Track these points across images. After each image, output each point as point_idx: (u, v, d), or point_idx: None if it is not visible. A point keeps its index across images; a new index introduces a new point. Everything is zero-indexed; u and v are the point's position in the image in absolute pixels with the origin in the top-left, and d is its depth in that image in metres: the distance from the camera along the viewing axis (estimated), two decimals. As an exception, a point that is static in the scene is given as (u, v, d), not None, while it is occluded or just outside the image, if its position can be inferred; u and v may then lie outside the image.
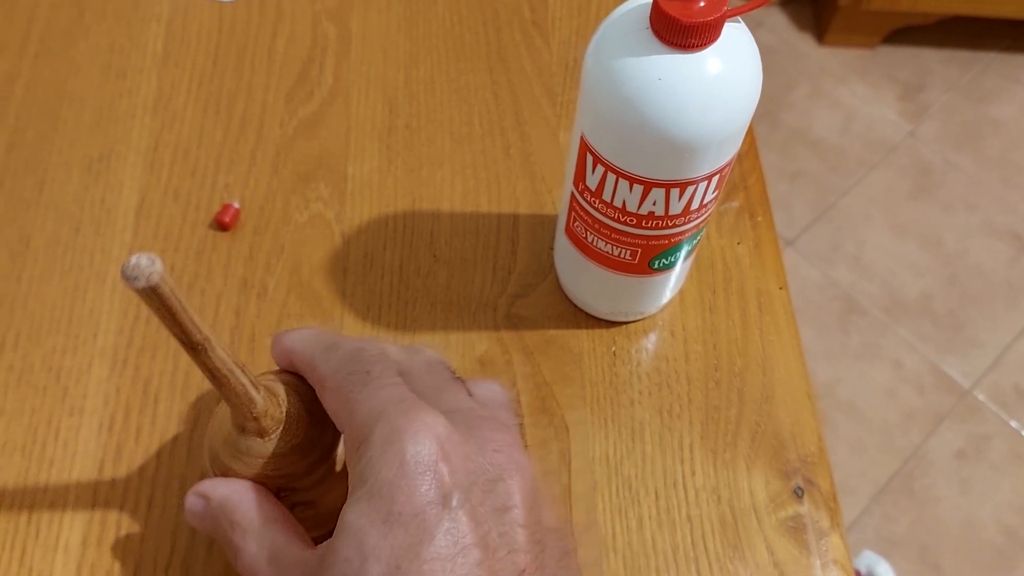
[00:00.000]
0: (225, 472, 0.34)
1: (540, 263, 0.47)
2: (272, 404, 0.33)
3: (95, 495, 0.40)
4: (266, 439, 0.33)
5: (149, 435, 0.41)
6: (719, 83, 0.32)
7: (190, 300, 0.44)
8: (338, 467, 0.35)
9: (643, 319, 0.45)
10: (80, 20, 0.53)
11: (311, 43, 0.53)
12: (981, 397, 1.30)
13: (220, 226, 0.46)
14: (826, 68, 1.56)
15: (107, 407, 0.42)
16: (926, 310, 1.35)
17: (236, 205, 0.47)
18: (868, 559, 0.85)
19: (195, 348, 0.29)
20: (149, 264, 0.25)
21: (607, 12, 0.40)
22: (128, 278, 0.25)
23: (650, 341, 0.45)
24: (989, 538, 1.21)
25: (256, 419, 0.32)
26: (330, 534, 0.35)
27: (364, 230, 0.47)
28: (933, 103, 1.53)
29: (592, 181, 0.37)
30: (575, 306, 0.45)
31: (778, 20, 1.60)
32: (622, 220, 0.37)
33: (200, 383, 0.42)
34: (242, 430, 0.33)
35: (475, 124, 0.51)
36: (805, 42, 1.58)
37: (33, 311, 0.44)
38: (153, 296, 0.26)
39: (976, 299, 1.37)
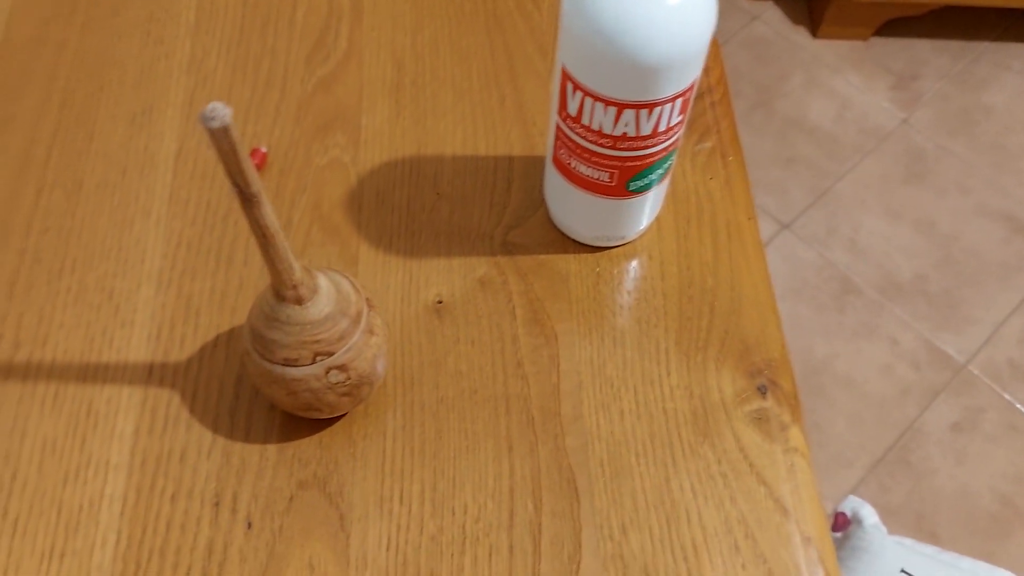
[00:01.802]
0: (266, 345, 0.40)
1: (532, 198, 0.52)
2: (307, 276, 0.39)
3: (145, 392, 0.46)
4: (303, 306, 0.39)
5: (192, 343, 0.47)
6: (678, 12, 0.38)
7: (224, 232, 0.50)
8: (366, 336, 0.41)
9: (623, 244, 0.51)
10: (122, -4, 0.59)
11: (327, 12, 0.59)
12: (976, 371, 1.35)
13: (249, 169, 0.52)
14: (820, 59, 1.61)
15: (154, 320, 0.48)
16: (921, 290, 1.40)
17: (264, 149, 0.53)
18: (852, 503, 0.89)
19: (250, 199, 0.34)
20: (223, 109, 0.31)
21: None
22: (206, 119, 0.31)
23: (630, 263, 0.51)
24: (984, 506, 1.25)
25: (294, 287, 0.38)
26: (358, 392, 0.41)
27: (376, 172, 0.53)
28: (926, 91, 1.58)
29: (572, 107, 0.42)
30: (563, 235, 0.51)
31: (773, 14, 1.66)
32: (600, 143, 0.43)
33: (235, 299, 0.48)
34: (282, 299, 0.38)
35: (474, 80, 0.57)
36: (799, 34, 1.64)
37: (87, 241, 0.50)
38: (224, 136, 0.32)
39: (970, 279, 1.41)
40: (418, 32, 0.59)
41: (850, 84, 1.59)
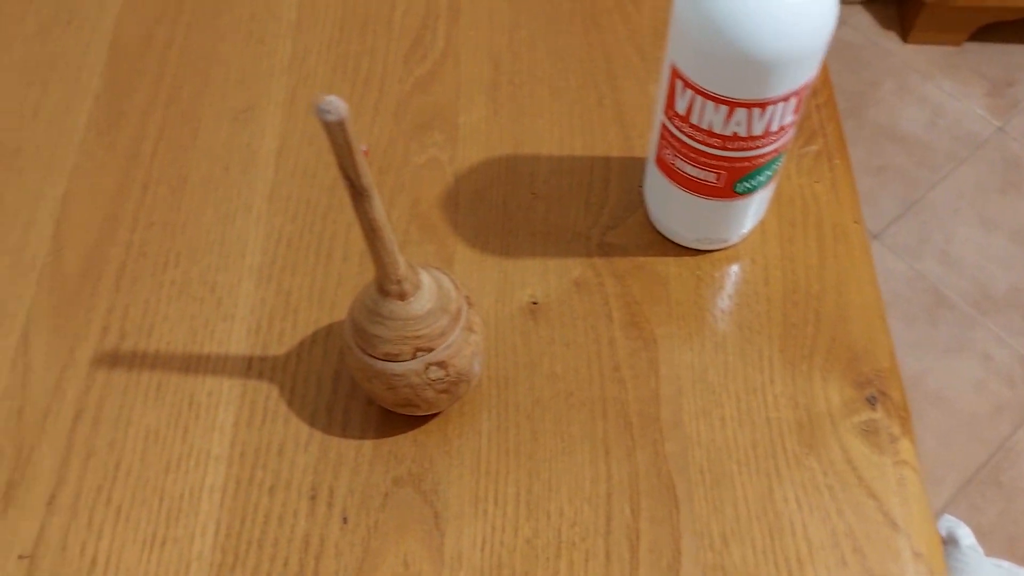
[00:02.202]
0: (367, 340, 0.40)
1: (630, 199, 0.52)
2: (411, 271, 0.38)
3: (245, 385, 0.46)
4: (406, 301, 0.39)
5: (291, 338, 0.47)
6: (798, 7, 0.37)
7: (324, 228, 0.50)
8: (465, 334, 0.41)
9: (725, 248, 0.50)
10: (226, -4, 0.60)
11: (425, 12, 0.59)
12: (1075, 391, 1.28)
13: (347, 167, 0.53)
14: (912, 65, 1.56)
15: (254, 315, 0.48)
16: (1016, 303, 1.34)
17: (364, 148, 0.53)
18: (948, 522, 0.85)
19: (361, 192, 0.34)
20: (339, 103, 0.31)
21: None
22: (322, 111, 0.31)
23: (732, 267, 0.49)
24: (1083, 532, 1.19)
25: (399, 282, 0.38)
26: (456, 390, 0.41)
27: (473, 171, 0.53)
28: (1023, 98, 1.52)
29: (681, 105, 0.41)
30: (663, 236, 0.50)
31: (862, 19, 1.61)
32: (708, 143, 0.42)
33: (334, 295, 0.49)
34: (385, 294, 0.38)
35: (571, 79, 0.56)
36: (890, 40, 1.59)
37: (190, 236, 0.51)
38: (339, 130, 0.32)
39: (1069, 293, 1.35)
40: (515, 31, 0.58)
41: (943, 91, 1.53)
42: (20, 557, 0.42)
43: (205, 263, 0.50)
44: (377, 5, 0.60)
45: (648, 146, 0.53)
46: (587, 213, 0.51)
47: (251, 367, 0.47)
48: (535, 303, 0.48)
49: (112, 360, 0.47)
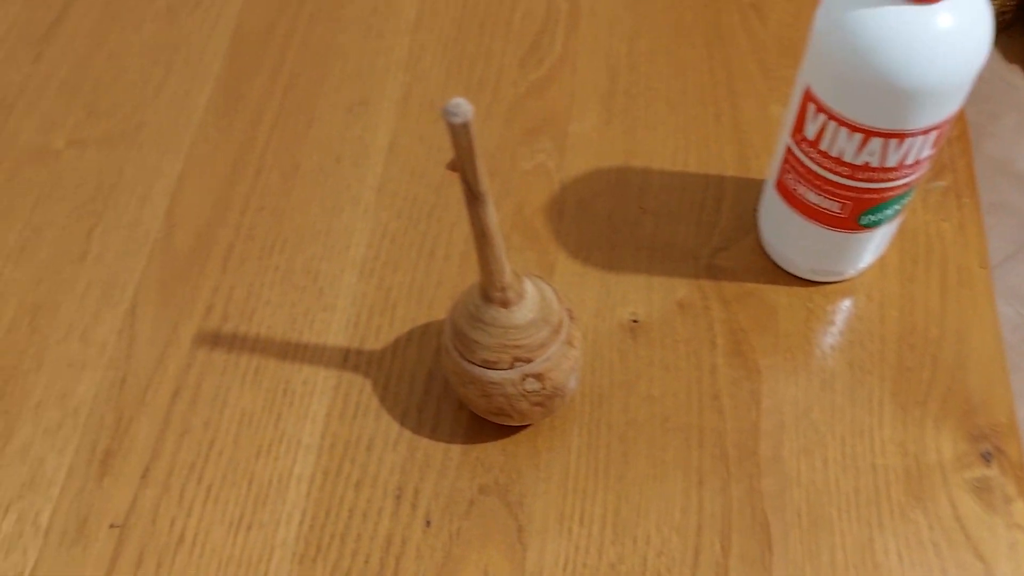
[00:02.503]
0: (466, 344, 0.39)
1: (743, 222, 0.50)
2: (515, 280, 0.38)
3: (340, 377, 0.46)
4: (509, 309, 0.38)
5: (387, 334, 0.47)
6: (949, 37, 0.35)
7: (428, 227, 0.50)
8: (565, 347, 0.40)
9: (841, 281, 0.48)
10: (349, -11, 0.61)
11: (544, 16, 0.59)
12: None
13: (454, 168, 0.52)
14: (1037, 100, 1.49)
15: (354, 307, 0.48)
16: None
17: (472, 149, 0.53)
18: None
19: (478, 197, 0.34)
20: (466, 106, 0.31)
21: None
22: (450, 113, 0.31)
23: (847, 301, 0.47)
24: None
25: (503, 289, 0.37)
26: (550, 403, 0.40)
27: (580, 180, 0.52)
28: None
29: (811, 130, 0.40)
30: (775, 264, 0.48)
31: (987, 48, 1.54)
32: (836, 171, 0.40)
33: (433, 294, 0.48)
34: (489, 300, 0.38)
35: (689, 93, 0.55)
36: (1014, 73, 1.52)
37: (298, 224, 0.51)
38: (464, 133, 0.31)
39: None
40: (635, 40, 0.57)
41: (1068, 129, 1.45)
42: (112, 526, 0.43)
43: (310, 252, 0.50)
44: (496, 6, 0.59)
45: (767, 168, 0.51)
46: (697, 232, 0.50)
47: (347, 359, 0.47)
48: (636, 321, 0.47)
49: (213, 340, 0.48)
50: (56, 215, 0.52)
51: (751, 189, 0.51)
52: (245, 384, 0.46)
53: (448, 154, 0.53)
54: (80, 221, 0.52)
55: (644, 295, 0.48)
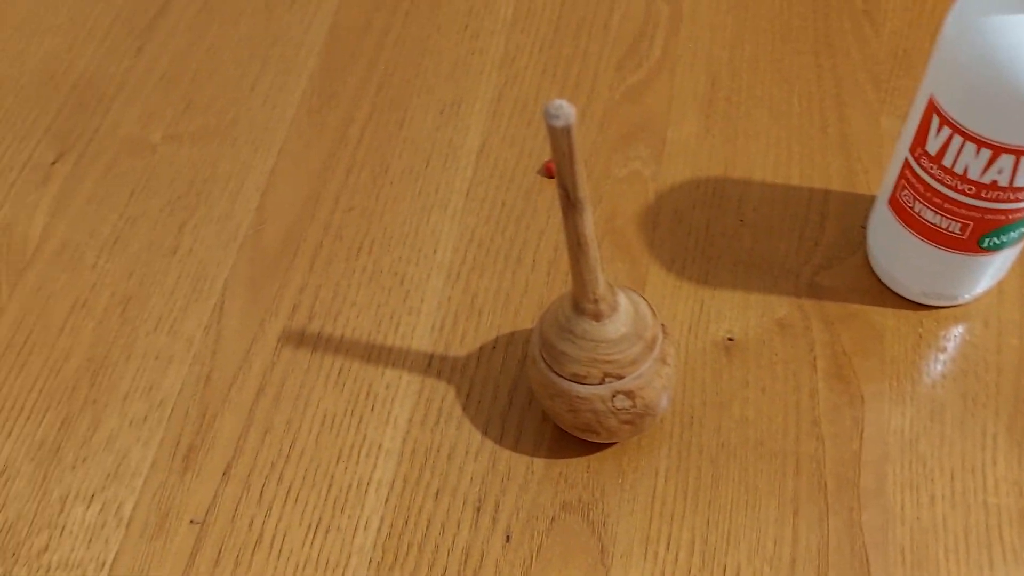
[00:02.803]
0: (555, 356, 0.38)
1: (849, 239, 0.47)
2: (609, 291, 0.36)
3: (423, 383, 0.45)
4: (601, 322, 0.36)
5: (472, 340, 0.46)
6: (1096, 48, 0.32)
7: (516, 234, 0.49)
8: (658, 365, 0.38)
9: (954, 306, 0.45)
10: (444, -12, 0.60)
11: (644, 19, 0.57)
12: None
13: (548, 173, 0.51)
14: None
15: (439, 312, 0.47)
16: None
17: (565, 154, 0.51)
18: None
19: (575, 204, 0.33)
20: (568, 108, 0.29)
21: (945, 5, 0.40)
22: (551, 116, 0.29)
23: (961, 328, 0.44)
24: None
25: (596, 301, 0.36)
26: (640, 422, 0.38)
27: (676, 189, 0.50)
28: None
29: (934, 145, 0.37)
30: (883, 285, 0.46)
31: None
32: (960, 189, 0.37)
33: (519, 302, 0.47)
34: (580, 312, 0.37)
35: (794, 102, 0.52)
36: None
37: (386, 224, 0.51)
38: (565, 136, 0.30)
39: None
40: (737, 46, 0.55)
41: None
42: (192, 521, 0.43)
43: (396, 254, 0.50)
44: (595, 8, 0.58)
45: (877, 184, 0.48)
46: (799, 248, 0.47)
47: (431, 364, 0.46)
48: (731, 339, 0.45)
49: (299, 339, 0.47)
50: (150, 208, 0.53)
51: (858, 205, 0.48)
52: (328, 385, 0.46)
53: (539, 159, 0.52)
54: (173, 215, 0.53)
55: (740, 312, 0.46)
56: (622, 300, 0.38)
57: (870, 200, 0.48)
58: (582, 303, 0.37)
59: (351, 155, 0.54)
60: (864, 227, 0.47)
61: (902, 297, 0.45)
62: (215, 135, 0.55)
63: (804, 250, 0.47)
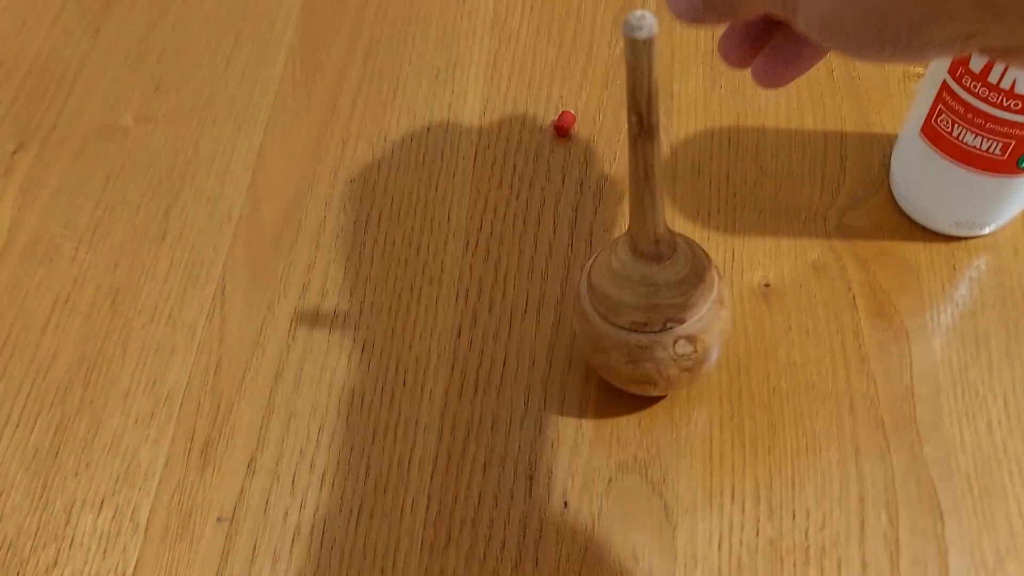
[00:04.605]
0: (611, 306, 0.36)
1: (870, 177, 0.47)
2: (668, 233, 0.35)
3: (455, 354, 0.43)
4: (661, 264, 0.35)
5: (500, 307, 0.44)
6: None
7: (531, 197, 0.47)
8: (717, 307, 0.37)
9: (981, 236, 0.45)
10: (421, -45, 0.58)
11: (633, -24, 0.56)
12: None
13: (557, 132, 0.49)
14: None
15: (462, 281, 0.45)
16: None
17: (573, 112, 0.50)
18: None
19: (647, 130, 0.30)
20: (652, 19, 0.27)
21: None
22: (633, 27, 0.27)
23: (992, 256, 0.44)
24: None
25: (656, 242, 0.34)
26: (697, 369, 0.37)
27: (690, 142, 0.49)
28: None
29: (978, 62, 0.37)
30: (910, 221, 0.45)
31: None
32: (1005, 105, 0.37)
33: (545, 265, 0.45)
34: (639, 255, 0.35)
35: (797, 50, 0.52)
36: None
37: (392, 194, 0.48)
38: (647, 50, 0.28)
39: None
40: (731, -1, 0.54)
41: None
42: (219, 520, 0.39)
43: (408, 224, 0.47)
44: (581, -32, 0.56)
45: (890, 121, 0.48)
46: (823, 192, 0.47)
47: (460, 334, 0.43)
48: (767, 285, 0.44)
49: (313, 319, 0.44)
50: (129, 194, 0.49)
51: (875, 144, 0.48)
52: (352, 364, 0.43)
53: (545, 120, 0.50)
54: (156, 200, 0.49)
55: (773, 258, 0.45)
56: (680, 241, 0.36)
57: (886, 138, 0.48)
58: (642, 245, 0.35)
59: (344, 127, 0.51)
60: (884, 165, 0.47)
61: (930, 231, 0.45)
62: (192, 114, 0.52)
63: (828, 192, 0.47)
